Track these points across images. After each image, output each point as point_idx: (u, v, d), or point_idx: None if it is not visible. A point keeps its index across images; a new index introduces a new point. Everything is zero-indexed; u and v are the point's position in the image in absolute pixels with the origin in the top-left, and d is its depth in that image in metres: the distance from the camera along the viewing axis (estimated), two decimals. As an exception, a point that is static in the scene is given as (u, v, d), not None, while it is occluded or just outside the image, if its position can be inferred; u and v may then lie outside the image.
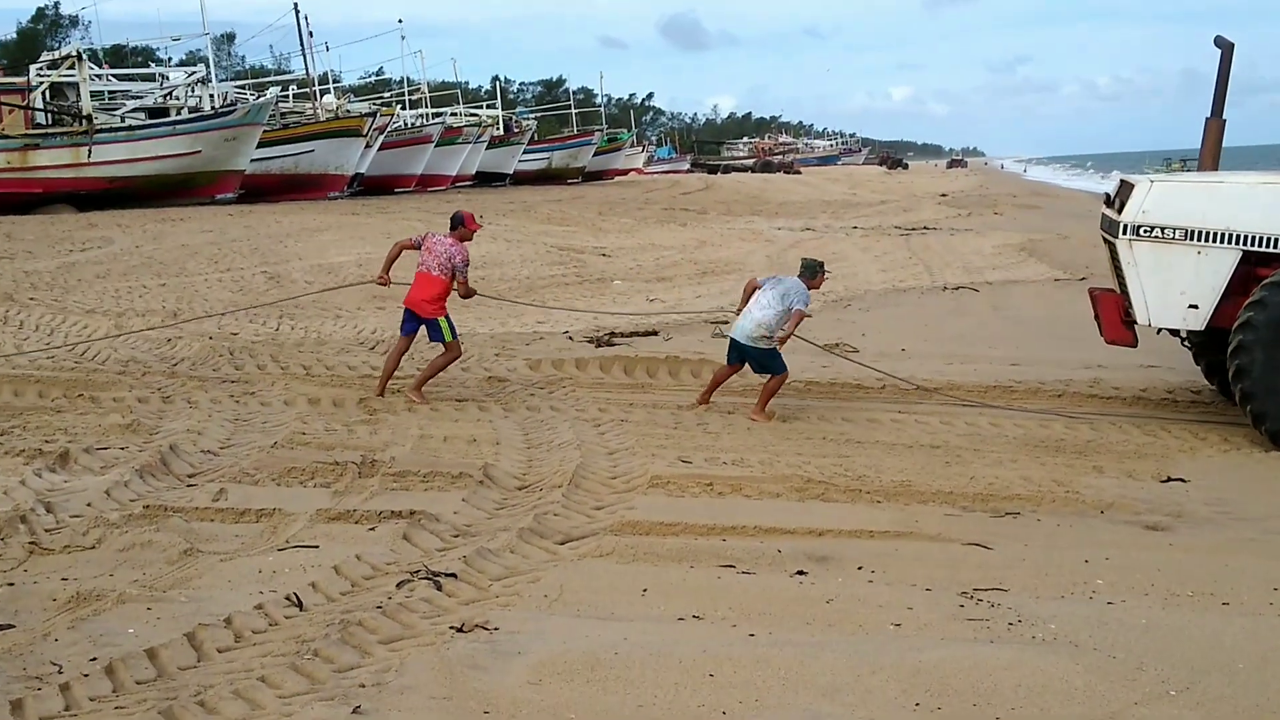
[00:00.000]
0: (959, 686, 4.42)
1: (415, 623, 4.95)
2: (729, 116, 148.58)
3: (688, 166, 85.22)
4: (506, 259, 21.18)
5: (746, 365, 9.48)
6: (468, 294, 9.80)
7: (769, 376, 9.33)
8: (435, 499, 6.86)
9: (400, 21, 64.89)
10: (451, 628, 4.87)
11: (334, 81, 51.52)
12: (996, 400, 9.90)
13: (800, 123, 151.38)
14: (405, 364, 10.23)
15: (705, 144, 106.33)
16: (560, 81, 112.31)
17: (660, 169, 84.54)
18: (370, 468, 7.43)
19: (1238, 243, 8.35)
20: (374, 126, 43.08)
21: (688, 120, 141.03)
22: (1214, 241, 8.37)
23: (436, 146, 48.35)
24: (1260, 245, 8.30)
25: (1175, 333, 9.20)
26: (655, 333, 13.12)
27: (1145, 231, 8.52)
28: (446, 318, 9.62)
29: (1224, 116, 9.38)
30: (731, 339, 9.52)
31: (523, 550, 5.97)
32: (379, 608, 5.08)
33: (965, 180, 72.62)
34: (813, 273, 9.63)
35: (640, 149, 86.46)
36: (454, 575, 5.48)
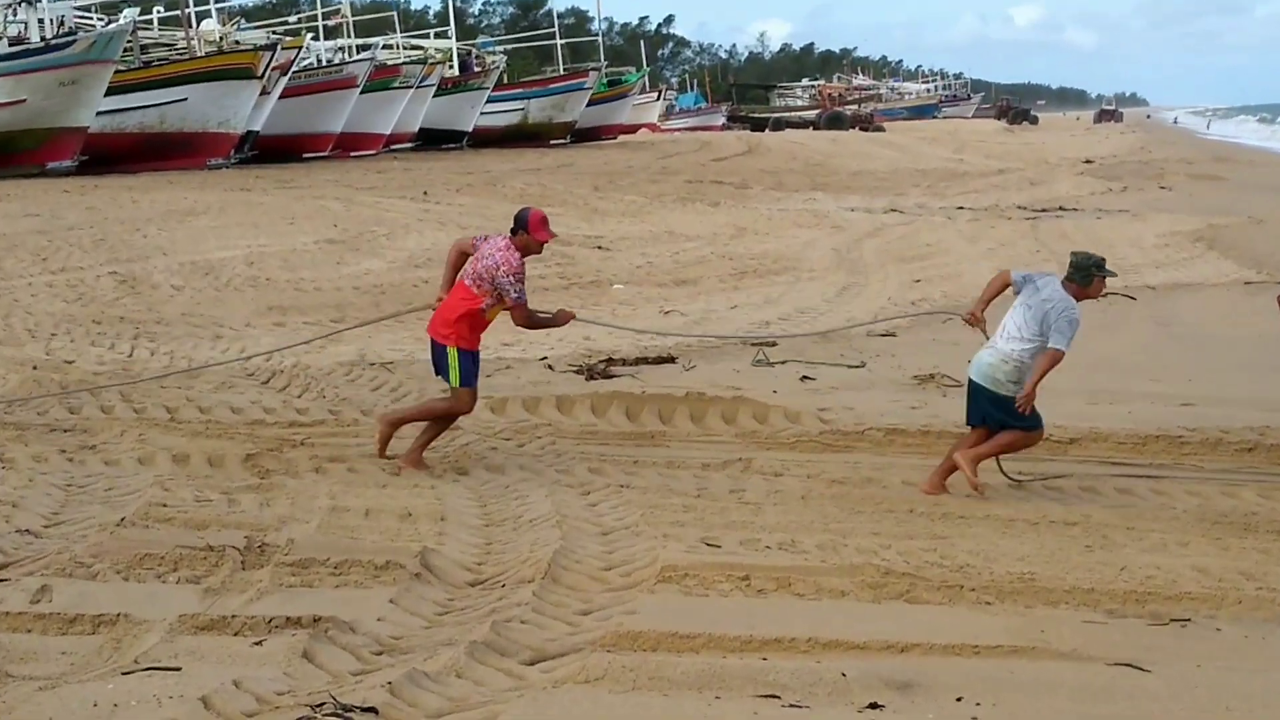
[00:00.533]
0: None
1: (319, 780, 4.99)
2: (782, 50, 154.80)
3: (723, 121, 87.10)
4: (458, 255, 21.69)
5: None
6: (526, 321, 9.74)
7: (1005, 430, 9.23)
8: (351, 599, 6.96)
9: (310, -84, 67.72)
10: (371, 787, 4.91)
11: (217, 1, 52.00)
12: (1161, 456, 10.08)
13: (884, 59, 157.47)
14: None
15: (748, 89, 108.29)
16: (541, 1, 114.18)
17: (684, 124, 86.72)
18: (258, 555, 7.49)
19: None
20: (273, 65, 43.68)
21: (724, 55, 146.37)
22: None
23: (363, 93, 49.20)
24: None
25: None
26: (672, 359, 13.43)
27: None
28: (464, 351, 9.53)
29: None
30: (969, 380, 9.36)
31: (475, 673, 6.02)
32: (267, 758, 5.13)
33: (1119, 140, 73.91)
34: (1086, 276, 9.23)
35: (655, 96, 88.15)
36: (374, 711, 5.55)
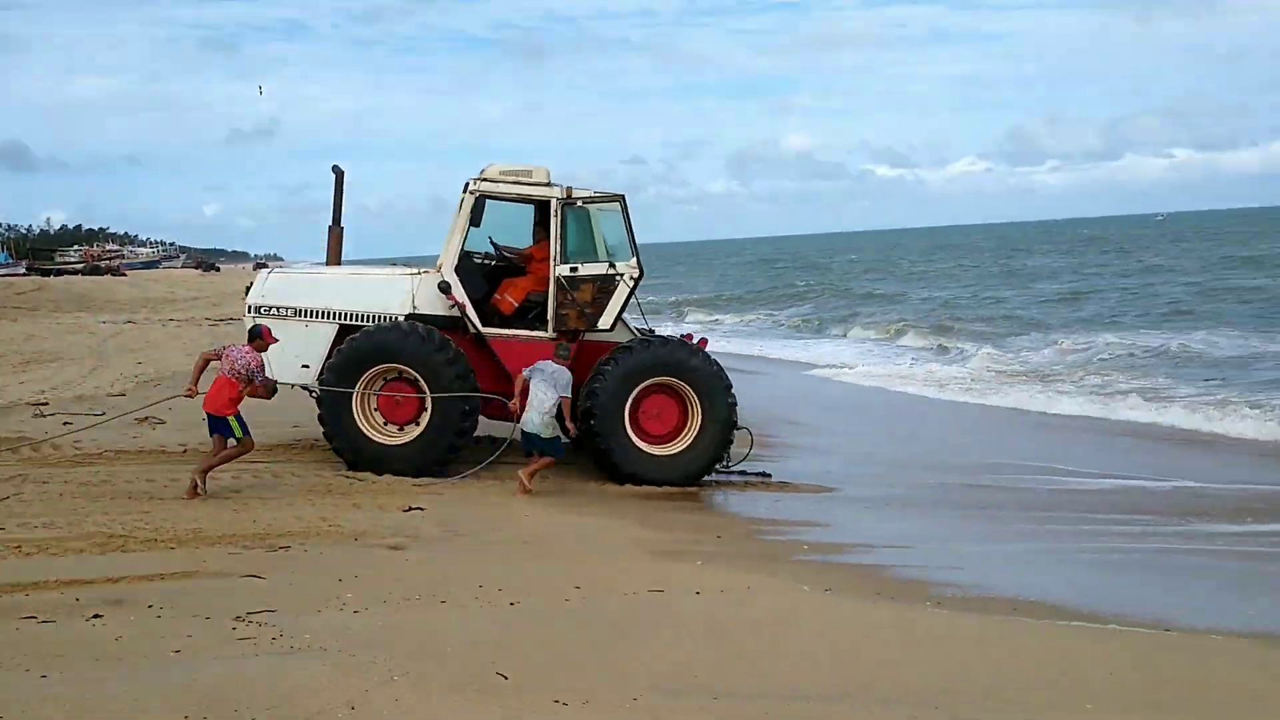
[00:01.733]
0: (224, 697, 5.86)
1: None
2: (61, 228, 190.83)
3: (24, 270, 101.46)
4: None
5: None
6: (268, 394, 11.93)
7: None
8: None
9: None
10: None
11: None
12: (282, 456, 13.15)
13: (125, 233, 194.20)
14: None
15: (40, 250, 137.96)
16: None
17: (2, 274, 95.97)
18: None
19: (335, 318, 13.21)
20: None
21: (24, 231, 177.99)
22: (317, 318, 13.19)
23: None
24: (351, 320, 13.25)
25: (309, 392, 13.24)
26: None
27: (265, 310, 13.09)
28: (237, 417, 11.52)
29: (342, 225, 14.12)
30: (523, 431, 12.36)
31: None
32: None
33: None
34: (567, 352, 12.73)
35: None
36: None
